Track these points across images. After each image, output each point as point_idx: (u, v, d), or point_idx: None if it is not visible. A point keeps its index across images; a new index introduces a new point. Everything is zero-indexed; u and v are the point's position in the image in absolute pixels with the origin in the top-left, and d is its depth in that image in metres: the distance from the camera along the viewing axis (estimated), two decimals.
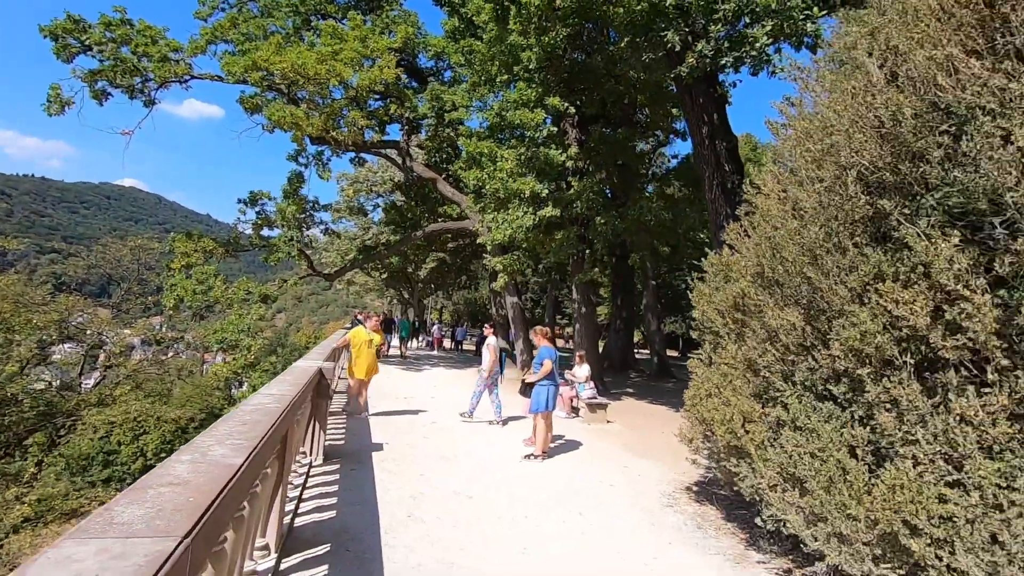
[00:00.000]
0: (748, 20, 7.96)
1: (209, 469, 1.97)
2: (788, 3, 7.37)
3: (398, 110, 17.86)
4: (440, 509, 5.09)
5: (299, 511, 4.62)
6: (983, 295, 2.86)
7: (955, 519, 2.90)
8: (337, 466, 6.03)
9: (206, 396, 28.22)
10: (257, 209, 18.29)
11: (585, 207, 12.32)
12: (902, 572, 3.24)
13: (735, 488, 4.78)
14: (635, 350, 24.81)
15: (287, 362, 17.94)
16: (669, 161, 23.04)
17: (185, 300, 15.84)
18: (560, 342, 32.42)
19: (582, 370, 10.74)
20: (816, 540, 3.56)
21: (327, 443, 6.59)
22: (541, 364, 7.28)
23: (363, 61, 15.63)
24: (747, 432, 4.42)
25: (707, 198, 9.97)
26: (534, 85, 12.41)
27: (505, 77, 13.12)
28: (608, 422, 10.17)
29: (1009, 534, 2.72)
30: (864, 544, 3.32)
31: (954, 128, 3.16)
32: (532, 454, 7.15)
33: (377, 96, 18.58)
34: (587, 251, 14.10)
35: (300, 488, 5.10)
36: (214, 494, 1.72)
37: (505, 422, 9.15)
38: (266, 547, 3.57)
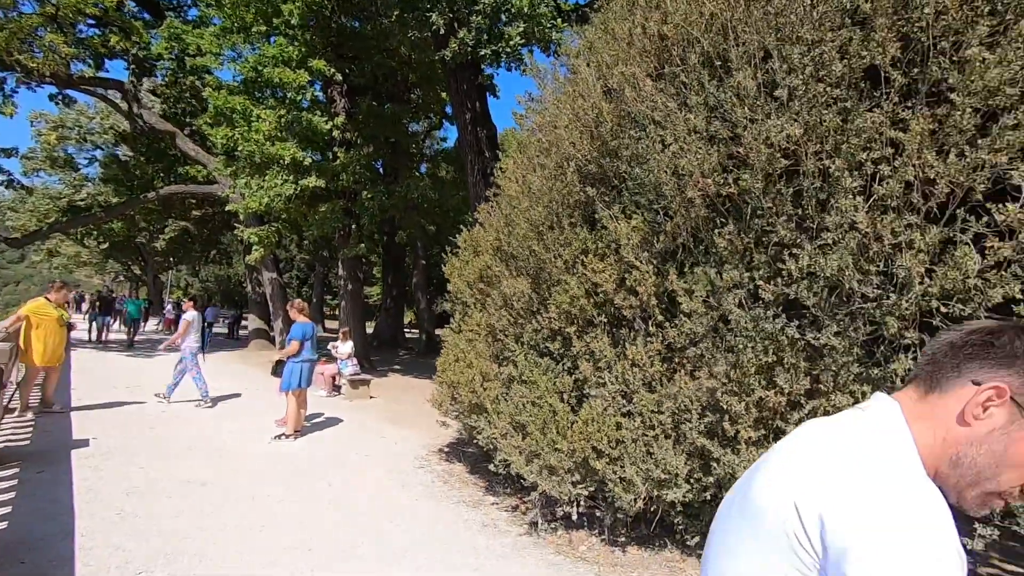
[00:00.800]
0: (505, 19, 8.62)
1: None
2: (537, 11, 8.21)
3: (122, 43, 14.66)
4: (163, 501, 4.49)
5: None
6: (648, 265, 3.68)
7: (625, 441, 3.71)
8: (15, 471, 4.83)
9: None
10: None
11: (352, 180, 11.93)
12: (592, 489, 4.02)
13: (475, 441, 5.29)
14: (405, 329, 25.13)
15: None
16: (441, 143, 23.68)
17: None
18: (334, 323, 31.00)
19: (345, 346, 10.49)
20: (532, 474, 4.18)
21: (1, 444, 5.23)
22: (291, 341, 6.91)
23: None
24: (485, 390, 4.91)
25: (469, 181, 10.59)
26: (296, 43, 11.45)
27: (263, 28, 11.80)
28: (371, 397, 10.17)
29: (657, 447, 3.59)
30: (566, 471, 4.01)
31: (637, 133, 3.96)
32: (283, 434, 6.76)
33: (92, 22, 14.97)
34: (354, 226, 13.69)
35: None
36: None
37: (171, 398, 8.54)
38: None
